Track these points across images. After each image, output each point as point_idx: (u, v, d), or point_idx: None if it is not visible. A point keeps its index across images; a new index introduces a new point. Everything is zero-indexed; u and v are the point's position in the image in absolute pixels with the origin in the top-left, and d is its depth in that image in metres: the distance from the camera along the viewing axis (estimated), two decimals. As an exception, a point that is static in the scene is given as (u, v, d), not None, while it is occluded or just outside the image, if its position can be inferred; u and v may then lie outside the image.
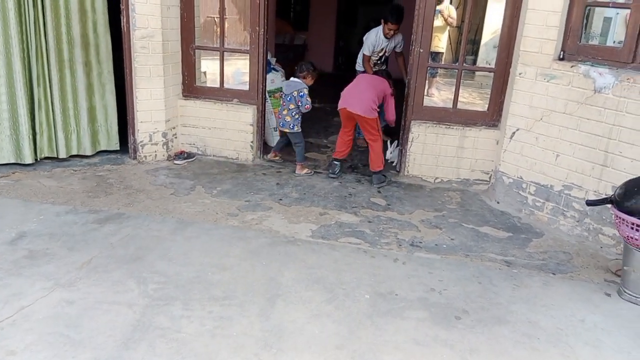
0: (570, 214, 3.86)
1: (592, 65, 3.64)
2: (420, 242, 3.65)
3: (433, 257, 3.46)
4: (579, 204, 3.77)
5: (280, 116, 4.92)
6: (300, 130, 4.92)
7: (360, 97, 4.60)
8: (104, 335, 2.46)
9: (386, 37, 5.46)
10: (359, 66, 5.76)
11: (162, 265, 3.10)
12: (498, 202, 4.38)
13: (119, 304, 2.71)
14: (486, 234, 3.85)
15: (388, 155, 5.28)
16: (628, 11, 3.49)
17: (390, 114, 4.86)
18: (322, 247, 3.47)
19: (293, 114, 4.83)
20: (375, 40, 5.49)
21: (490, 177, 4.63)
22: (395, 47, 5.68)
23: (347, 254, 3.41)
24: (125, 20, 4.58)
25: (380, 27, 5.46)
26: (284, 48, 9.41)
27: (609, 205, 3.14)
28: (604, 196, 3.37)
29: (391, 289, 3.03)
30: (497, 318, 2.81)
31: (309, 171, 4.92)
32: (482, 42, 10.27)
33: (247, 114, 5.00)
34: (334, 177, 4.82)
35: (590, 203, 3.30)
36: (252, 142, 5.05)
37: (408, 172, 4.87)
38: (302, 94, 4.80)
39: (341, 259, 3.34)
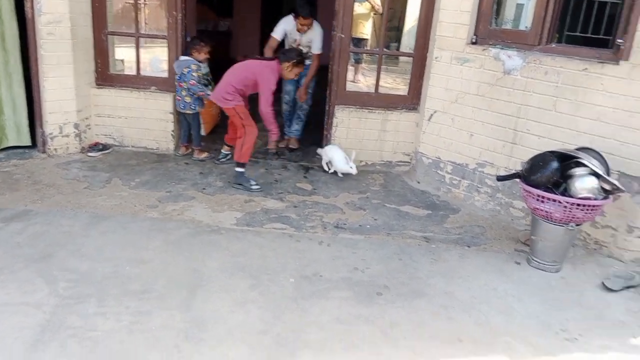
0: (484, 190, 4.06)
1: (502, 49, 3.82)
2: (345, 224, 3.70)
3: (357, 237, 3.52)
4: (491, 180, 3.97)
5: (179, 97, 4.69)
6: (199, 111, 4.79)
7: (221, 83, 4.26)
8: (10, 338, 2.30)
9: (298, 32, 4.92)
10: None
11: (74, 262, 2.93)
12: (419, 182, 4.53)
13: (27, 305, 2.54)
14: (407, 213, 3.97)
15: (346, 168, 4.51)
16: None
17: (262, 104, 4.10)
18: (246, 235, 3.43)
19: (191, 93, 4.63)
20: (286, 28, 4.94)
21: (411, 159, 4.77)
22: (310, 44, 4.96)
23: (273, 239, 3.39)
24: (29, 5, 4.25)
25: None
26: (206, 35, 9.15)
27: (518, 180, 3.33)
28: (513, 172, 3.56)
29: (316, 271, 3.05)
30: (416, 292, 2.91)
31: (209, 155, 4.82)
32: (405, 28, 10.52)
33: (166, 102, 4.81)
34: (218, 164, 4.68)
35: (500, 178, 3.48)
36: (172, 131, 4.88)
37: (334, 156, 4.92)
38: (189, 70, 4.58)
39: (266, 245, 3.32)
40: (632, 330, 2.72)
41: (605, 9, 3.47)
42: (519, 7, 4.68)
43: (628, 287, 3.08)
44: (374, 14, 8.18)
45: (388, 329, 2.57)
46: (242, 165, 4.21)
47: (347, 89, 4.88)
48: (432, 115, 4.34)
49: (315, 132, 5.20)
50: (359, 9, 7.66)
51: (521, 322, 2.71)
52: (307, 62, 4.81)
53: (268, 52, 4.92)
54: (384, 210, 3.98)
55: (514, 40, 3.76)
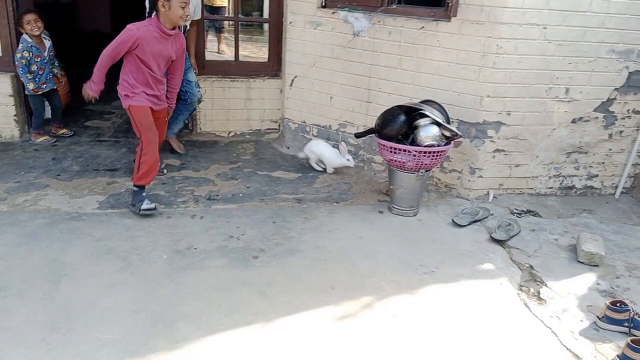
0: (348, 148, 4.28)
1: (350, 11, 4.00)
2: (217, 195, 3.69)
3: (230, 207, 3.54)
4: (353, 139, 4.21)
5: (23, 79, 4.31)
6: (36, 94, 4.35)
7: None
8: None
9: None
10: None
11: None
12: (288, 148, 4.64)
13: None
14: (279, 178, 4.07)
15: (342, 161, 4.06)
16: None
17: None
18: (111, 218, 3.27)
19: (23, 72, 4.24)
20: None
21: (279, 125, 4.86)
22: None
23: (141, 219, 3.28)
24: None
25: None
26: (47, 8, 8.27)
27: (373, 135, 3.57)
28: (368, 128, 3.80)
29: (190, 245, 3.03)
30: (290, 250, 3.03)
31: (49, 139, 4.48)
32: (265, -5, 10.46)
33: (3, 84, 4.32)
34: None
35: (358, 135, 3.71)
36: (15, 115, 4.42)
37: (201, 129, 4.83)
38: (18, 48, 4.24)
39: (134, 225, 3.21)
40: (479, 257, 3.11)
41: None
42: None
43: (474, 222, 3.51)
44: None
45: (265, 288, 2.67)
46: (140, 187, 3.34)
47: (207, 58, 4.78)
48: (293, 80, 4.44)
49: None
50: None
51: (385, 264, 2.97)
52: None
53: None
54: (256, 178, 4.04)
55: (360, 2, 3.94)
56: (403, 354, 2.27)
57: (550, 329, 2.49)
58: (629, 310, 2.48)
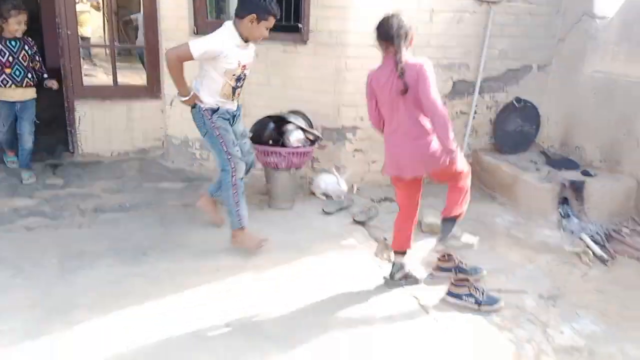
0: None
1: (221, 36, 4.48)
2: (104, 207, 3.90)
3: (118, 215, 3.78)
4: (233, 149, 4.65)
5: None
6: None
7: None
8: None
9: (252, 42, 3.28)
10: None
11: None
12: (173, 162, 4.95)
13: None
14: (165, 188, 4.36)
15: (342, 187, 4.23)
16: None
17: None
18: (-4, 233, 3.36)
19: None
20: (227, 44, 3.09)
21: (163, 142, 5.15)
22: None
23: (27, 233, 3.41)
24: None
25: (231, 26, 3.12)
26: None
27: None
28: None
29: (80, 250, 3.23)
30: (179, 245, 3.36)
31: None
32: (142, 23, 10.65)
33: None
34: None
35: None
36: None
37: (82, 151, 4.95)
38: None
39: (21, 238, 3.35)
40: (344, 236, 3.67)
41: (291, 1, 4.42)
42: (226, 1, 5.22)
43: (341, 209, 4.09)
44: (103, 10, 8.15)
45: (155, 277, 2.98)
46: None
47: (85, 84, 4.95)
48: (172, 100, 4.79)
49: (59, 130, 5.13)
50: (83, 5, 7.63)
51: (265, 248, 3.35)
52: None
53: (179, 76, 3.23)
54: (143, 190, 4.29)
55: (229, 28, 4.45)
56: (281, 307, 2.73)
57: (397, 280, 3.10)
58: (454, 260, 3.17)
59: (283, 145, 3.88)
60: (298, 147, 3.85)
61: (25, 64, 4.26)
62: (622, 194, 3.95)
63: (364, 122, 4.30)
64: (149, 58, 5.01)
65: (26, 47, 4.27)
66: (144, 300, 2.72)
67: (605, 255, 3.41)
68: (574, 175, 4.01)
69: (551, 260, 3.42)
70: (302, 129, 3.89)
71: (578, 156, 4.40)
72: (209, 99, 3.20)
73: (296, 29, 4.31)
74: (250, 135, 3.94)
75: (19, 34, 4.20)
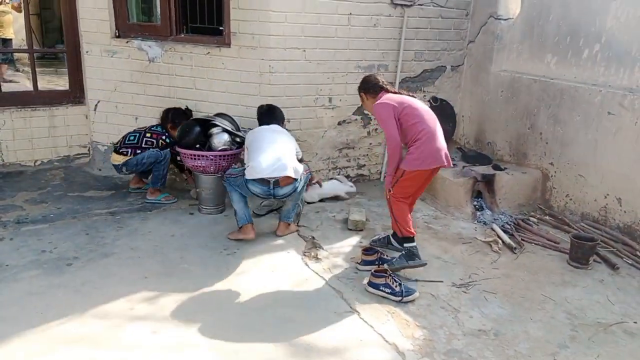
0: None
1: (143, 40, 4.45)
2: (27, 218, 3.80)
3: (41, 227, 3.69)
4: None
5: None
6: None
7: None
8: None
9: None
10: None
11: None
12: (100, 170, 4.86)
13: None
14: (91, 197, 4.29)
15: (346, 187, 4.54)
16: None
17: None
18: None
19: None
20: None
21: (88, 149, 5.03)
22: None
23: (-58, 249, 3.28)
24: None
25: None
26: None
27: (176, 147, 4.05)
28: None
29: (1, 262, 3.15)
30: (105, 254, 3.35)
31: None
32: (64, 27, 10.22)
33: None
34: None
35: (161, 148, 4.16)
36: None
37: (4, 161, 4.76)
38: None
39: None
40: (272, 236, 3.76)
41: (213, 4, 4.45)
42: (149, 4, 5.15)
43: (271, 211, 4.19)
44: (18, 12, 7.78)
45: (80, 287, 2.96)
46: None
47: (4, 90, 4.76)
48: (96, 105, 4.70)
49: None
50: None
51: (194, 253, 3.46)
52: None
53: None
54: (67, 199, 4.20)
55: (151, 32, 4.43)
56: (213, 310, 2.80)
57: (322, 277, 3.24)
58: (377, 252, 3.36)
59: (210, 148, 3.93)
60: (225, 149, 3.91)
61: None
62: (529, 185, 4.31)
63: (290, 123, 4.41)
64: (70, 62, 4.88)
65: None
66: (68, 312, 2.71)
67: (513, 244, 3.71)
68: (486, 169, 4.32)
69: (465, 250, 3.68)
70: (228, 131, 3.95)
71: (490, 151, 4.73)
72: None
73: (220, 32, 4.35)
74: (177, 138, 3.99)
75: None
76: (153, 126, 4.26)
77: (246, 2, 4.10)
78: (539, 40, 4.38)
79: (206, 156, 3.87)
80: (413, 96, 3.35)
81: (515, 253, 3.65)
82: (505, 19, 4.69)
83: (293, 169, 3.45)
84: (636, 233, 3.68)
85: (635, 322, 2.90)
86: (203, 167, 3.91)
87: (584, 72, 4.06)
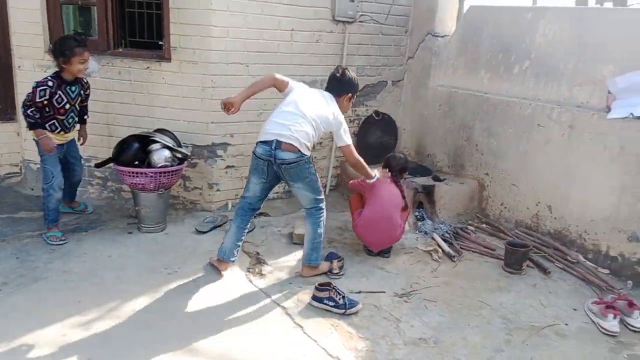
0: (96, 182, 4.54)
1: (79, 55, 4.31)
2: (-51, 244, 3.57)
3: (-34, 252, 3.47)
4: (100, 172, 4.48)
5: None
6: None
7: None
8: None
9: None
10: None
11: None
12: (32, 189, 4.63)
13: None
14: (22, 218, 4.08)
15: None
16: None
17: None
18: None
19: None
20: None
21: (20, 168, 4.80)
22: None
23: None
24: None
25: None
26: None
27: (112, 164, 3.93)
28: (106, 158, 4.12)
29: None
30: (35, 278, 3.18)
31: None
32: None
33: None
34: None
35: (97, 165, 4.02)
36: None
37: None
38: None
39: None
40: (215, 253, 3.69)
41: (153, 18, 4.38)
42: (87, 17, 5.04)
43: (215, 227, 4.13)
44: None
45: (10, 312, 2.81)
46: None
47: None
48: (29, 122, 4.50)
49: None
50: None
51: (132, 273, 3.35)
52: None
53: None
54: (-4, 221, 3.99)
55: (90, 46, 4.29)
56: (146, 338, 2.71)
57: (266, 293, 3.22)
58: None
59: (149, 165, 3.84)
60: (166, 166, 3.83)
61: (78, 109, 3.86)
62: (467, 195, 4.46)
63: (234, 138, 4.40)
64: (1, 77, 4.65)
65: (81, 91, 3.81)
66: (-5, 341, 2.56)
67: (452, 252, 3.82)
68: (426, 180, 4.45)
69: (407, 260, 3.76)
70: (169, 147, 3.87)
71: (430, 163, 4.88)
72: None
73: (160, 47, 4.29)
74: (113, 155, 3.87)
75: (81, 75, 3.72)
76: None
77: (186, 17, 4.07)
78: (473, 56, 4.58)
79: (145, 173, 3.77)
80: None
81: (454, 261, 3.76)
82: (442, 36, 4.88)
83: (298, 140, 3.18)
84: (566, 238, 3.88)
85: (567, 324, 3.04)
86: (142, 184, 3.80)
87: (515, 86, 4.27)
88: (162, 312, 2.94)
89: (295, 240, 3.94)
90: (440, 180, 4.43)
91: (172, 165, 3.86)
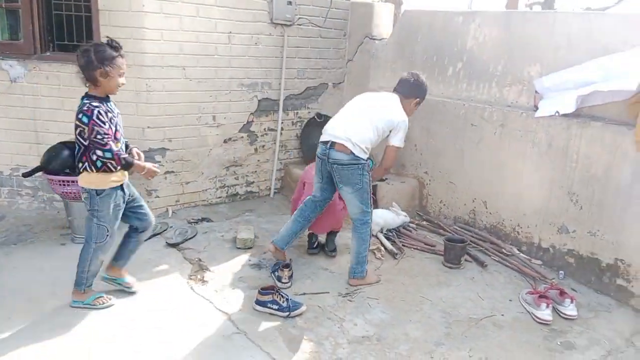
0: (25, 192, 4.30)
1: (3, 59, 4.07)
2: None
3: None
4: (29, 181, 4.24)
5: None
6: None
7: None
8: None
9: None
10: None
11: None
12: (-46, 202, 4.34)
13: None
14: (-58, 233, 3.81)
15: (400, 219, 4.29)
16: (19, 10, 4.07)
17: None
18: None
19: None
20: None
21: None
22: None
23: None
24: None
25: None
26: None
27: (42, 173, 3.73)
28: (34, 167, 3.90)
29: None
30: (-43, 296, 2.98)
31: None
32: None
33: None
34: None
35: (25, 175, 3.80)
36: None
37: None
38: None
39: None
40: (156, 262, 3.59)
41: (82, 20, 4.20)
42: (13, 21, 4.78)
43: (154, 235, 3.98)
44: None
45: None
46: None
47: None
48: (-51, 130, 4.21)
49: None
50: None
51: (67, 287, 3.16)
52: None
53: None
54: None
55: (12, 51, 4.07)
56: (87, 349, 2.59)
57: (208, 300, 3.15)
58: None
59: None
60: (99, 174, 3.67)
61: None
62: (408, 193, 4.56)
63: (172, 143, 4.29)
64: None
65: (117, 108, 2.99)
66: None
67: (394, 250, 3.89)
68: (368, 180, 4.51)
69: (351, 259, 3.79)
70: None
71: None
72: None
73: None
74: (42, 163, 3.68)
75: (117, 92, 2.92)
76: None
77: (118, 19, 3.93)
78: (410, 59, 4.69)
79: (77, 181, 3.59)
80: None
81: (396, 259, 3.82)
82: (379, 39, 4.97)
83: (351, 142, 3.21)
84: (501, 232, 4.04)
85: (503, 315, 3.16)
86: (74, 193, 3.63)
87: (449, 88, 4.41)
88: (100, 326, 2.81)
89: (238, 245, 3.88)
90: (382, 180, 4.50)
91: (106, 173, 3.71)
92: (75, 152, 2.86)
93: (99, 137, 2.71)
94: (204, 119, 4.43)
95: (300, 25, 4.75)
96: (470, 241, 3.97)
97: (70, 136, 4.01)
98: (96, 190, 2.84)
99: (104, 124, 2.73)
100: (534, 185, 3.78)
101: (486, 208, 4.13)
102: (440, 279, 3.56)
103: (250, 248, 3.89)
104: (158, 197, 4.33)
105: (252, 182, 4.95)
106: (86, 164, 2.82)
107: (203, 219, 4.39)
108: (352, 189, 3.27)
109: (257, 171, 4.95)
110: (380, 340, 2.83)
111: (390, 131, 3.40)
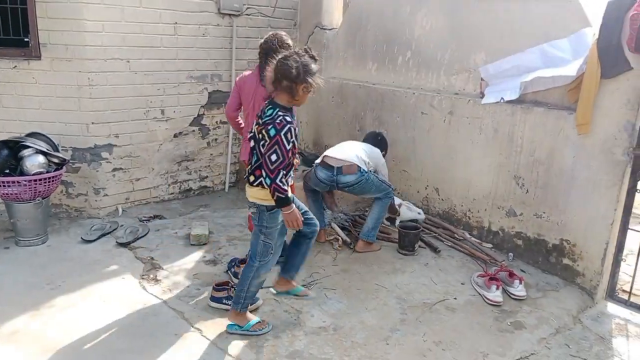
0: None
1: None
2: None
3: None
4: (-35, 183, 4.01)
5: None
6: None
7: None
8: None
9: None
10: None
11: None
12: None
13: None
14: None
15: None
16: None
17: None
18: None
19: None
20: None
21: None
22: None
23: None
24: None
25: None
26: None
27: (-22, 174, 3.54)
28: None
29: None
30: None
31: None
32: None
33: None
34: None
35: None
36: None
37: None
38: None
39: None
40: (106, 262, 3.48)
41: (18, 12, 3.97)
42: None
43: (103, 235, 3.87)
44: None
45: None
46: None
47: None
48: None
49: None
50: None
51: (10, 291, 3.05)
52: None
53: None
54: None
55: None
56: (30, 357, 2.47)
57: (161, 299, 3.07)
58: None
59: (22, 173, 3.50)
60: (41, 172, 3.51)
61: None
62: (362, 182, 4.59)
63: (119, 139, 4.15)
64: None
65: None
66: None
67: (350, 240, 3.91)
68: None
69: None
70: (43, 152, 3.56)
71: (327, 153, 4.95)
72: None
73: (26, 44, 3.91)
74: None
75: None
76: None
77: (56, 11, 3.75)
78: (360, 48, 4.70)
79: (18, 182, 3.44)
80: None
81: (352, 248, 3.85)
82: (329, 29, 4.95)
83: (357, 157, 3.65)
84: (453, 217, 4.13)
85: (455, 299, 3.23)
86: (16, 194, 3.47)
87: (399, 77, 4.45)
88: (44, 331, 2.69)
89: (192, 242, 3.80)
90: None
91: (48, 172, 3.56)
92: (252, 161, 2.63)
93: (273, 157, 2.46)
94: (152, 113, 4.30)
95: (249, 15, 4.67)
96: (424, 227, 4.04)
97: (9, 134, 3.84)
98: (267, 206, 2.65)
99: (287, 145, 2.46)
100: (483, 171, 3.87)
101: (438, 195, 4.20)
102: (396, 266, 3.60)
103: (205, 244, 3.82)
104: (107, 195, 4.18)
105: (206, 177, 4.86)
106: (261, 178, 2.58)
107: (155, 217, 4.28)
108: (369, 192, 3.74)
109: (210, 165, 4.86)
110: (337, 330, 2.84)
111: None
